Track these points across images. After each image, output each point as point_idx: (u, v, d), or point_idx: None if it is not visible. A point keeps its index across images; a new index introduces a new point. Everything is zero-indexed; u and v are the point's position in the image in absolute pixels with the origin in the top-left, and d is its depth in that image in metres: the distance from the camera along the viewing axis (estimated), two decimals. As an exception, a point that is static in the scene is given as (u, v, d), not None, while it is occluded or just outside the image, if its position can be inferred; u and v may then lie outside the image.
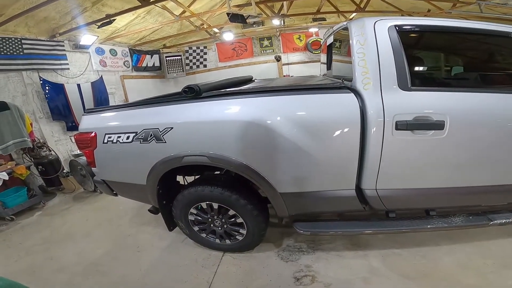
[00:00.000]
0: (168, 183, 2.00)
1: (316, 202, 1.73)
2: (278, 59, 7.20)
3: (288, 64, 7.24)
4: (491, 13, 4.93)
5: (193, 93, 1.66)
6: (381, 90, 1.47)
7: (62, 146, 4.67)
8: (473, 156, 1.56)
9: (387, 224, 1.79)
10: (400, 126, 1.44)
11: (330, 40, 2.47)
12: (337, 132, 1.50)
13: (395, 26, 1.53)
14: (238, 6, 5.34)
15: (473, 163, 1.58)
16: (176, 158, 1.68)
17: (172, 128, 1.63)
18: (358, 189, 1.64)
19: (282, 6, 5.65)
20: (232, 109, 1.60)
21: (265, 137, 1.53)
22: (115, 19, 4.37)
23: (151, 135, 1.68)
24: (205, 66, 7.43)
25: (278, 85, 1.86)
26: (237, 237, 2.08)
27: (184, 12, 5.19)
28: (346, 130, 1.49)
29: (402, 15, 5.70)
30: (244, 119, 1.54)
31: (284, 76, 7.14)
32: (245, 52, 7.26)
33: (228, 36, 6.58)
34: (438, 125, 1.45)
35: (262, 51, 7.26)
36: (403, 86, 1.48)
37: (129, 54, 6.18)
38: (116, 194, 2.26)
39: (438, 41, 1.77)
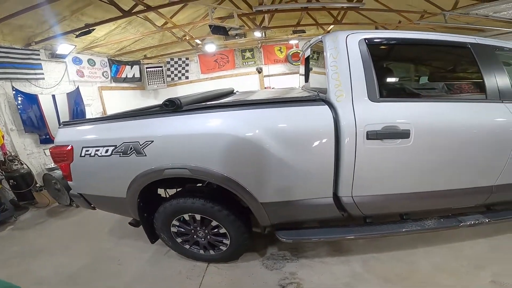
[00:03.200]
0: (149, 196, 1.97)
1: (297, 210, 1.77)
2: (259, 70, 7.35)
3: (269, 75, 7.39)
4: (455, 23, 5.35)
5: (173, 107, 1.68)
6: (352, 101, 1.57)
7: (35, 160, 4.46)
8: (438, 162, 1.67)
9: (366, 230, 1.85)
10: (371, 135, 1.53)
11: (308, 53, 2.59)
12: (314, 143, 1.57)
13: (365, 39, 1.65)
14: (220, 18, 5.44)
15: (438, 169, 1.69)
16: (157, 171, 1.67)
17: (152, 141, 1.64)
18: (336, 196, 1.71)
19: (263, 18, 5.82)
20: (212, 122, 1.64)
21: (245, 149, 1.58)
22: (94, 29, 4.30)
23: (131, 148, 1.67)
24: (187, 77, 7.42)
25: (257, 98, 1.91)
26: (221, 247, 2.07)
27: (166, 23, 5.22)
28: (321, 141, 1.56)
29: (376, 27, 6.04)
30: (224, 132, 1.58)
31: (265, 88, 7.27)
32: (227, 63, 7.34)
33: (210, 48, 6.64)
34: (404, 134, 1.55)
35: (244, 63, 7.38)
36: (372, 97, 1.59)
37: (108, 64, 6.08)
38: (94, 208, 2.19)
39: (404, 53, 1.93)
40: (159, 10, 4.41)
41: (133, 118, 1.76)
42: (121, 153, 1.70)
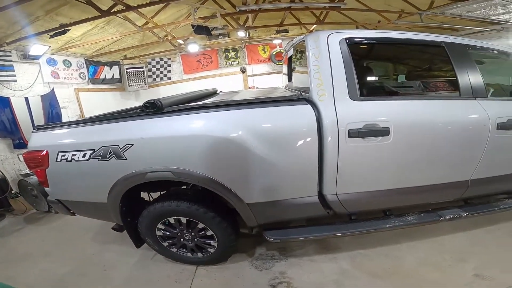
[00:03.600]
0: (131, 200, 1.91)
1: (283, 210, 1.77)
2: (243, 70, 7.32)
3: (253, 75, 7.38)
4: (431, 22, 5.56)
5: (154, 108, 1.63)
6: (334, 100, 1.59)
7: (9, 165, 4.21)
8: (417, 158, 1.73)
9: (351, 227, 1.88)
10: (352, 133, 1.56)
11: (291, 52, 2.60)
12: (297, 142, 1.58)
13: (346, 38, 1.68)
14: (203, 18, 5.36)
15: (417, 165, 1.75)
16: (138, 174, 1.62)
17: (133, 144, 1.58)
18: (321, 195, 1.72)
19: (247, 18, 5.80)
20: (195, 123, 1.61)
21: (229, 150, 1.56)
22: (69, 29, 4.12)
23: (110, 152, 1.61)
24: (169, 78, 7.28)
25: (240, 98, 1.91)
26: (208, 249, 2.04)
27: (147, 23, 5.09)
28: (305, 140, 1.57)
29: (357, 27, 6.16)
30: (207, 134, 1.56)
31: (249, 87, 7.26)
32: (210, 63, 7.27)
33: (193, 48, 6.53)
34: (384, 131, 1.59)
35: (228, 63, 7.33)
36: (353, 96, 1.62)
37: (85, 65, 5.85)
38: (74, 214, 2.09)
39: (383, 52, 2.00)
40: (140, 10, 4.30)
41: (112, 121, 1.69)
42: (100, 157, 1.62)
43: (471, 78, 1.80)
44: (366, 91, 1.72)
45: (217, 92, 3.17)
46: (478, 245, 2.09)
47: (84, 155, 1.64)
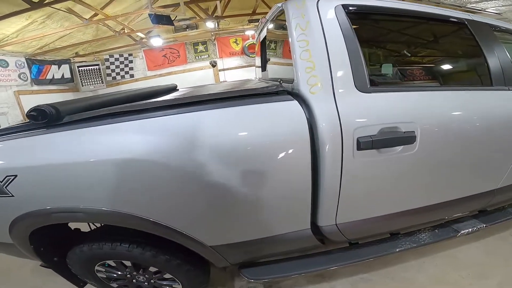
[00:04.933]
0: (55, 235, 1.36)
1: (262, 248, 1.30)
2: (213, 64, 6.76)
3: (224, 69, 6.84)
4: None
5: (45, 119, 1.02)
6: (334, 93, 1.06)
7: None
8: (447, 170, 1.31)
9: (352, 255, 1.45)
10: (364, 144, 1.04)
11: (264, 34, 2.08)
12: (277, 160, 1.03)
13: (343, 6, 1.17)
14: (164, 6, 4.74)
15: (446, 178, 1.34)
16: (39, 216, 1.05)
17: (16, 176, 1.01)
18: (315, 226, 1.26)
19: (215, 7, 5.25)
20: (112, 139, 1.02)
21: (171, 176, 1.01)
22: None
23: None
24: (131, 76, 6.55)
25: (195, 95, 1.23)
26: (172, 290, 1.52)
27: (96, 15, 4.40)
28: (289, 155, 1.03)
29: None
30: (135, 156, 0.98)
31: (221, 82, 6.72)
32: (178, 58, 6.62)
33: (157, 42, 5.89)
34: (409, 138, 1.10)
35: (197, 57, 6.73)
36: (361, 87, 1.09)
37: (26, 65, 5.02)
38: None
39: (399, 28, 1.50)
40: (85, 0, 3.67)
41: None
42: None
43: (502, 63, 1.40)
44: (379, 80, 1.27)
45: (176, 88, 2.58)
46: (496, 256, 1.78)
47: None
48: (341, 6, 1.17)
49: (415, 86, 1.35)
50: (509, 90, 1.40)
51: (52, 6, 3.56)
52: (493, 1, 5.62)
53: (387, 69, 1.48)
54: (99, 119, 1.05)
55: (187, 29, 6.26)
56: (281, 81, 1.24)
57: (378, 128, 1.06)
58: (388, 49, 1.61)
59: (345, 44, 1.10)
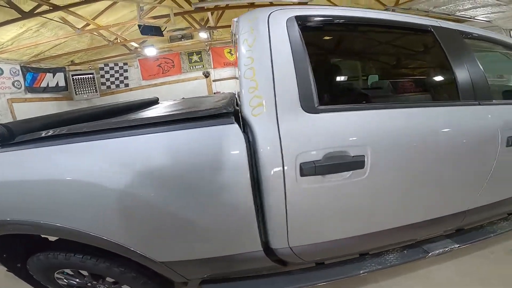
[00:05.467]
0: (17, 242, 1.37)
1: (215, 267, 1.26)
2: (206, 75, 6.80)
3: (218, 80, 6.87)
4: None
5: None
6: (276, 115, 1.01)
7: None
8: (404, 193, 1.24)
9: (315, 276, 1.40)
10: (306, 170, 0.99)
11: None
12: (215, 185, 1.02)
13: (296, 17, 1.12)
14: (158, 17, 4.80)
15: (404, 202, 1.27)
16: None
17: None
18: (268, 248, 1.22)
19: (208, 18, 5.31)
20: (57, 158, 1.04)
21: (107, 196, 1.01)
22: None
23: None
24: (126, 85, 6.59)
25: (140, 117, 1.22)
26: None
27: (88, 24, 4.48)
28: (227, 181, 1.01)
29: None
30: (70, 175, 1.02)
31: (214, 93, 6.73)
32: (172, 68, 6.68)
33: (151, 51, 5.96)
34: (357, 163, 1.04)
35: (191, 67, 6.78)
36: (308, 106, 1.03)
37: (20, 72, 5.07)
38: None
39: (352, 39, 1.43)
40: (75, 10, 3.76)
41: None
42: None
43: (472, 75, 1.32)
44: (329, 98, 1.20)
45: (158, 101, 2.55)
46: (471, 276, 1.70)
47: None
48: (294, 18, 1.12)
49: (371, 103, 1.26)
50: (479, 105, 1.32)
51: (43, 16, 3.62)
52: (482, 9, 5.62)
53: (341, 86, 1.41)
54: (47, 140, 1.07)
55: (182, 39, 6.33)
56: (231, 102, 1.23)
57: (324, 153, 1.00)
58: (345, 63, 1.53)
59: (293, 61, 1.05)
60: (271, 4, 4.96)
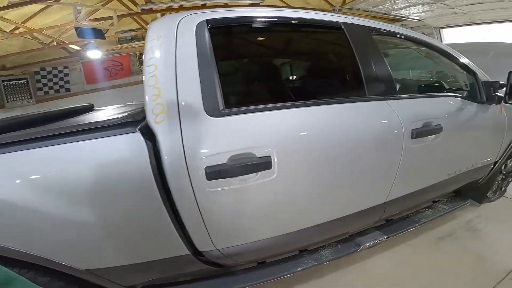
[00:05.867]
0: None
1: (149, 271, 1.22)
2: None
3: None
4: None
5: None
6: (180, 121, 1.01)
7: None
8: (318, 191, 1.30)
9: (255, 276, 1.42)
10: (212, 174, 1.00)
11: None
12: (122, 194, 1.01)
13: (208, 21, 1.13)
14: (98, 19, 4.49)
15: (322, 198, 1.33)
16: None
17: None
18: (197, 251, 1.22)
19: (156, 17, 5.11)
20: None
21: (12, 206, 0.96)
22: None
23: None
24: (67, 90, 6.06)
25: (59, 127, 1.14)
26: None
27: (17, 28, 4.05)
28: (134, 189, 1.00)
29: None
30: None
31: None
32: (120, 71, 6.31)
33: (95, 54, 5.55)
34: (263, 164, 1.06)
35: (142, 70, 6.46)
36: (212, 110, 1.05)
37: None
38: None
39: (266, 41, 1.45)
40: (2, 14, 3.36)
41: None
42: None
43: (378, 71, 1.39)
44: (236, 101, 1.23)
45: (93, 108, 2.38)
46: (408, 267, 1.81)
47: None
48: (205, 22, 1.13)
49: (277, 104, 1.22)
50: (384, 100, 1.39)
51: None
52: (414, 7, 6.17)
53: (248, 88, 1.44)
54: None
55: (132, 41, 6.02)
56: (136, 111, 1.21)
57: (229, 156, 1.02)
58: (254, 65, 1.55)
59: (198, 66, 1.06)
60: (226, 5, 4.95)
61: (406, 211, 1.89)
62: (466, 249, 1.90)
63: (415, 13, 6.67)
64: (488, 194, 2.21)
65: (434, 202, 2.08)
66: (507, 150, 1.99)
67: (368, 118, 1.34)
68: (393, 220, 1.87)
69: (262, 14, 1.29)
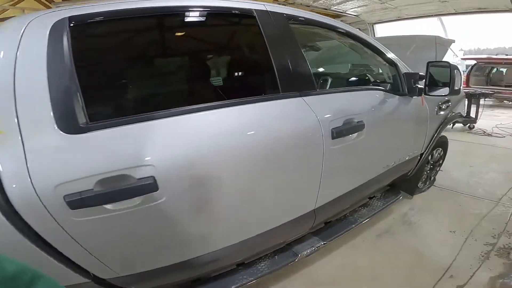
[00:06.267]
0: None
1: None
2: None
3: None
4: None
5: None
6: (22, 142, 0.78)
7: None
8: (230, 205, 1.10)
9: None
10: (73, 202, 0.79)
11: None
12: None
13: (70, 19, 0.90)
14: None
15: (236, 213, 1.14)
16: None
17: None
18: (100, 279, 1.00)
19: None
20: None
21: None
22: None
23: None
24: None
25: None
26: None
27: None
28: None
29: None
30: None
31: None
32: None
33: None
34: (146, 186, 0.85)
35: None
36: (68, 126, 0.82)
37: None
38: None
39: (150, 37, 1.21)
40: None
41: None
42: None
43: (293, 63, 1.23)
44: (106, 111, 1.00)
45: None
46: (351, 270, 1.73)
47: None
48: (66, 19, 0.90)
49: (166, 111, 0.98)
50: (300, 96, 1.23)
51: None
52: (350, 2, 6.44)
53: (123, 95, 1.16)
54: None
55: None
56: None
57: (95, 180, 0.81)
58: (135, 66, 1.28)
59: (47, 74, 0.82)
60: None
61: (341, 212, 1.81)
62: (403, 246, 1.88)
63: (351, 9, 6.98)
64: (419, 185, 2.25)
65: (370, 198, 2.04)
66: (432, 141, 2.02)
67: (282, 118, 1.17)
68: (330, 223, 1.77)
69: (144, 5, 1.04)
